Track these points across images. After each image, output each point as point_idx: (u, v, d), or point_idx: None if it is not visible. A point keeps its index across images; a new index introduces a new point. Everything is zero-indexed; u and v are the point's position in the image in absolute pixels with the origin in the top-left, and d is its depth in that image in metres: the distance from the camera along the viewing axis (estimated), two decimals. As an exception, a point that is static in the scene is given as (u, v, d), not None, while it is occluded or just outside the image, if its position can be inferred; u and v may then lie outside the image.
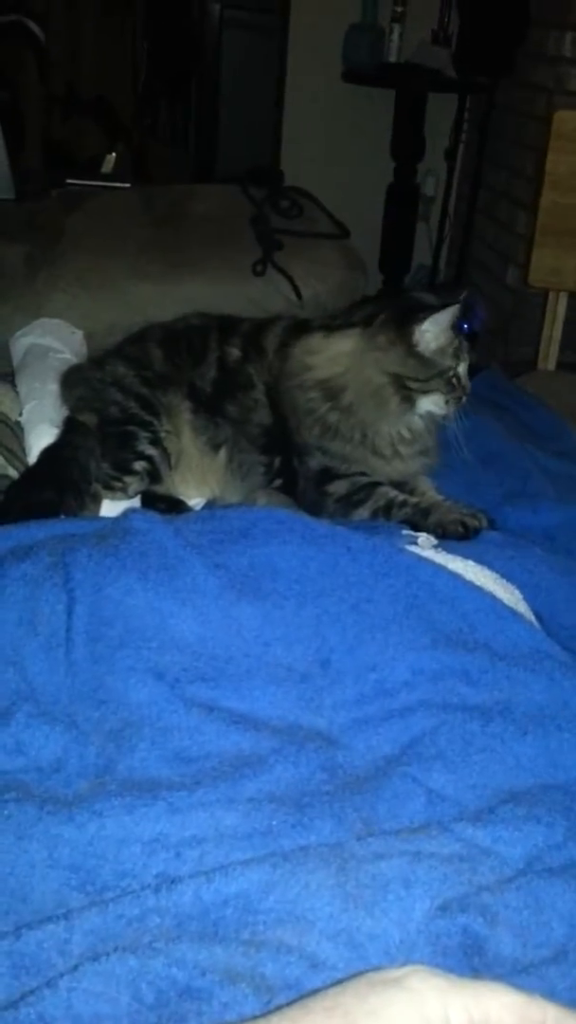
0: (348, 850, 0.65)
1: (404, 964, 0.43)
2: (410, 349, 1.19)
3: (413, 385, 1.20)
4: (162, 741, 0.76)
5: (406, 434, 1.23)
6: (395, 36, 3.49)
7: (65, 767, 0.75)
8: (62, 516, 1.14)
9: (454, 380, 1.22)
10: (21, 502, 1.16)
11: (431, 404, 1.22)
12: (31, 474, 1.25)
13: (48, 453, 1.25)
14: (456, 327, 1.21)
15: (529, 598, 0.98)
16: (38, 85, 3.20)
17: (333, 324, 1.28)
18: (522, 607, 0.96)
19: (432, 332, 1.19)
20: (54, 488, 1.18)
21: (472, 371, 1.76)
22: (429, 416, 1.24)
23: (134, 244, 1.84)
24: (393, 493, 1.20)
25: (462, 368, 1.23)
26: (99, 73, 3.82)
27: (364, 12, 3.49)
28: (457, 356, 1.22)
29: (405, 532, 1.09)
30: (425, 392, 1.21)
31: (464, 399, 1.23)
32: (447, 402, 1.22)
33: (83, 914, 0.60)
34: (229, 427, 1.30)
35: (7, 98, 2.97)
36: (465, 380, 1.24)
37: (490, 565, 0.99)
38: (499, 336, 3.12)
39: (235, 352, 1.34)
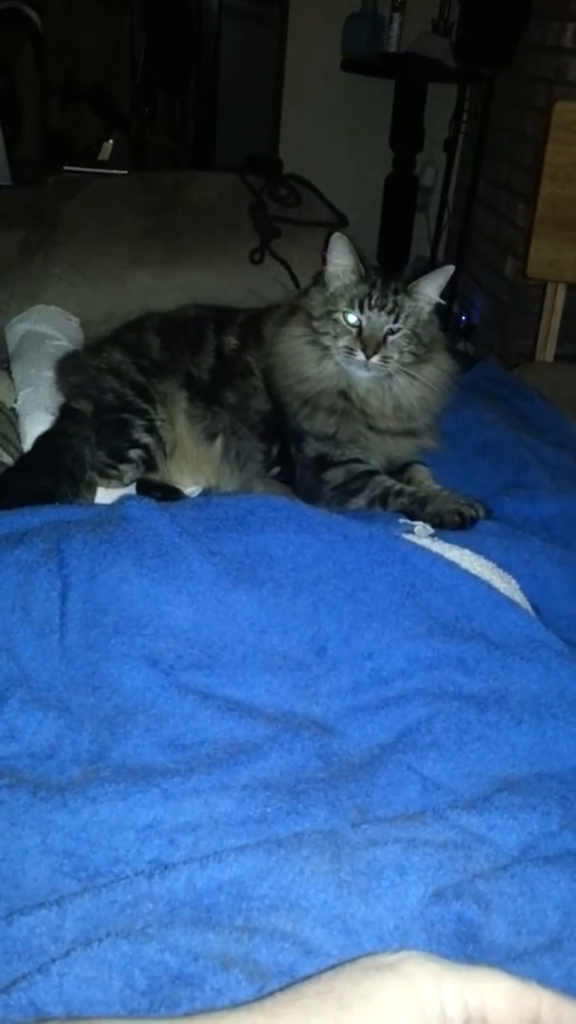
0: (343, 837, 0.64)
1: (398, 950, 0.43)
2: (321, 280, 1.24)
3: (314, 324, 1.23)
4: (156, 728, 0.76)
5: (361, 392, 1.23)
6: (395, 26, 3.47)
7: (59, 753, 0.75)
8: (56, 503, 1.13)
9: (353, 330, 1.20)
10: (16, 489, 1.15)
11: (338, 354, 1.21)
12: (25, 461, 1.24)
13: (43, 440, 1.25)
14: (400, 290, 1.21)
15: (526, 588, 0.98)
16: (35, 72, 3.18)
17: None
18: (518, 596, 0.96)
19: (333, 254, 1.22)
20: (49, 475, 1.18)
21: (470, 362, 1.77)
22: (419, 393, 1.24)
23: (131, 231, 1.83)
24: (390, 482, 1.20)
25: (367, 325, 1.20)
26: (97, 61, 3.80)
27: (364, 1, 3.47)
28: (356, 306, 1.20)
29: (402, 521, 1.09)
30: (323, 333, 1.22)
31: (359, 356, 1.19)
32: (343, 351, 1.20)
33: (76, 900, 0.59)
34: (227, 415, 1.30)
35: (4, 85, 2.95)
36: (370, 339, 1.19)
37: (487, 555, 0.99)
38: (497, 328, 3.12)
39: (232, 341, 1.34)
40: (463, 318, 3.42)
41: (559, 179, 1.96)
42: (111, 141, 2.49)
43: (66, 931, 0.58)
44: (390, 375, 1.22)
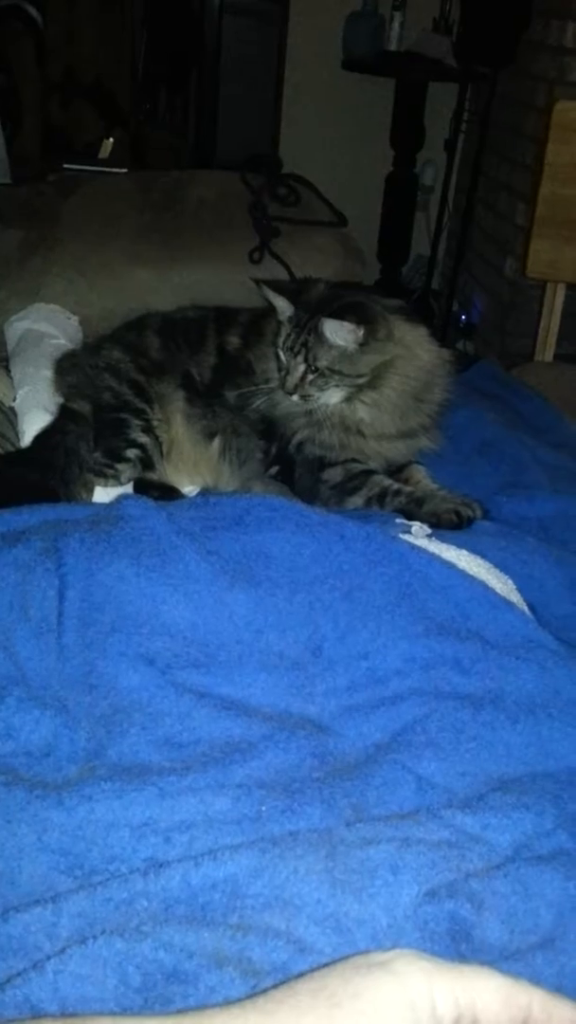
0: (337, 836, 0.65)
1: (391, 949, 0.43)
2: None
3: None
4: (153, 726, 0.76)
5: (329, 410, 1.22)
6: (396, 24, 3.47)
7: (55, 751, 0.75)
8: (45, 498, 1.13)
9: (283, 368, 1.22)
10: (5, 480, 1.16)
11: None
12: (16, 455, 1.25)
13: (38, 437, 1.25)
14: (311, 330, 1.19)
15: (522, 588, 0.98)
16: (36, 69, 3.17)
17: None
18: (515, 597, 0.96)
19: (268, 299, 1.24)
20: (41, 470, 1.18)
21: (469, 362, 1.77)
22: (375, 414, 1.23)
23: (131, 230, 1.83)
24: (387, 482, 1.20)
25: (285, 364, 1.21)
26: (98, 58, 3.79)
27: (365, 0, 3.47)
28: (280, 346, 1.21)
29: (399, 521, 1.09)
30: None
31: (287, 393, 1.21)
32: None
33: (71, 897, 0.60)
34: (227, 414, 1.30)
35: (4, 82, 2.95)
36: (288, 379, 1.21)
37: (484, 555, 0.99)
38: (497, 327, 3.12)
39: (235, 340, 1.34)
40: (463, 317, 3.43)
41: (559, 179, 1.96)
42: (111, 139, 2.50)
43: (61, 928, 0.58)
44: (349, 399, 1.20)
